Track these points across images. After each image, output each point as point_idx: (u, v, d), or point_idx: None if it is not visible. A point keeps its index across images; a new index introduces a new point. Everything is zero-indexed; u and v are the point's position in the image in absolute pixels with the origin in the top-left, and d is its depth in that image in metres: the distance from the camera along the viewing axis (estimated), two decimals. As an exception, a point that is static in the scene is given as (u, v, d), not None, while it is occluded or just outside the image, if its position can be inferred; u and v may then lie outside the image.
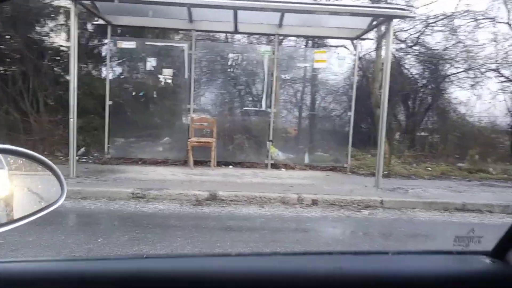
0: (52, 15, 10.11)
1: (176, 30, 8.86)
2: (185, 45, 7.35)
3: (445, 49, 11.64)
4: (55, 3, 9.95)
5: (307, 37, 9.44)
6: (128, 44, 7.19)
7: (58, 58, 10.15)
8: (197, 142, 7.06)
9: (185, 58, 7.28)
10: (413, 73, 12.42)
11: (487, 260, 1.02)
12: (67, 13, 9.99)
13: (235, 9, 5.91)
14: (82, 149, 8.58)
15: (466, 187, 6.60)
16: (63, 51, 10.06)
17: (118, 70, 7.31)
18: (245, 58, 7.49)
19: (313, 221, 4.53)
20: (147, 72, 7.30)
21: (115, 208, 4.68)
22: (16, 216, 0.94)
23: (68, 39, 10.42)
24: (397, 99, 12.42)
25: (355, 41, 7.69)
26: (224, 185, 5.78)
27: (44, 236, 3.50)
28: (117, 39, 7.26)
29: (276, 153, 7.70)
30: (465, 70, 11.77)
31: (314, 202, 5.19)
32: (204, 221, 4.33)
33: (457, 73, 11.84)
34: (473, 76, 11.75)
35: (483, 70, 11.75)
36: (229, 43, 9.17)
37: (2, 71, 9.61)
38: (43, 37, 10.12)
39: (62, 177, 1.05)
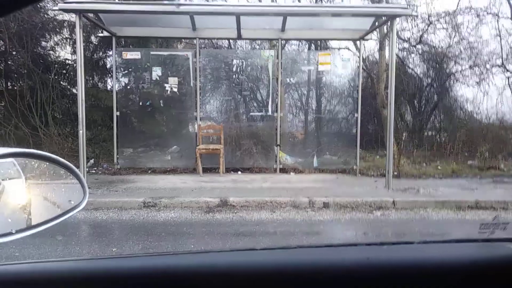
0: (56, 29, 10.22)
1: (180, 39, 8.92)
2: (189, 53, 7.39)
3: (449, 46, 11.62)
4: (59, 17, 10.09)
5: (309, 40, 9.45)
6: (133, 55, 7.24)
7: (64, 71, 10.24)
8: (205, 149, 7.07)
9: (190, 66, 7.32)
10: (418, 72, 12.40)
11: None
12: (71, 27, 10.14)
13: (238, 15, 5.94)
14: (91, 161, 8.64)
15: (478, 184, 6.53)
16: (68, 64, 10.18)
17: (124, 80, 7.35)
18: (249, 63, 7.51)
19: (325, 224, 4.51)
20: (153, 82, 7.34)
21: (127, 218, 4.69)
22: (38, 221, 0.94)
23: (73, 52, 10.57)
24: (403, 99, 12.39)
25: (358, 42, 7.68)
26: (234, 191, 5.77)
27: (59, 248, 3.51)
28: (122, 50, 7.31)
29: (285, 157, 7.68)
30: (470, 67, 11.71)
31: (325, 205, 5.17)
32: (216, 227, 4.33)
33: (462, 70, 11.79)
34: (478, 72, 11.70)
35: (488, 66, 11.70)
36: (233, 50, 9.22)
37: (9, 87, 9.72)
38: (49, 51, 10.24)
39: (83, 180, 1.05)
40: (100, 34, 7.19)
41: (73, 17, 10.36)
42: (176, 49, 9.03)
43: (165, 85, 7.34)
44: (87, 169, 8.10)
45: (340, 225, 4.50)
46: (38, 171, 0.99)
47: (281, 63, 7.32)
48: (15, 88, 9.45)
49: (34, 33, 9.43)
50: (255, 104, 7.83)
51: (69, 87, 10.38)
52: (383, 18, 6.29)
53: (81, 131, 5.74)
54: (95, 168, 8.26)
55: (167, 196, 5.36)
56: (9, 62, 9.94)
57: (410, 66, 12.35)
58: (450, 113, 11.93)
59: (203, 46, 9.50)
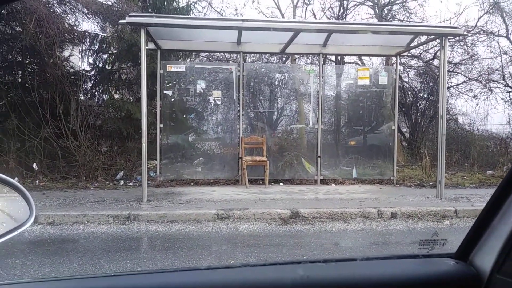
0: (76, 41, 10.10)
1: (224, 53, 9.00)
2: (233, 67, 7.49)
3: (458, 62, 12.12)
4: (83, 27, 10.04)
5: (346, 55, 9.74)
6: (177, 68, 7.28)
7: (81, 83, 10.08)
8: (252, 161, 7.15)
9: (234, 80, 7.42)
10: (413, 86, 12.79)
11: (452, 262, 1.07)
12: (91, 38, 10.10)
13: (298, 31, 6.12)
14: (121, 173, 8.54)
15: (516, 193, 6.90)
16: (86, 75, 10.08)
17: (168, 93, 7.34)
18: (291, 77, 7.69)
19: (407, 233, 4.69)
20: (196, 94, 7.39)
21: (210, 230, 4.72)
22: None
23: (91, 64, 10.49)
24: (399, 112, 12.78)
25: (394, 58, 8.02)
26: (296, 202, 5.88)
27: (175, 262, 3.53)
28: (166, 63, 7.33)
29: (310, 168, 7.80)
30: (464, 82, 12.29)
31: (393, 215, 5.36)
32: (308, 238, 4.43)
33: (456, 85, 12.32)
34: (480, 88, 12.34)
35: (486, 81, 12.35)
36: (275, 64, 9.38)
37: (29, 98, 9.44)
38: (64, 62, 10.07)
39: (30, 198, 1.02)
40: (146, 47, 7.16)
41: (95, 28, 10.37)
42: (220, 63, 9.10)
43: (209, 97, 7.40)
44: (122, 183, 8.02)
45: (421, 235, 4.67)
46: None
47: (322, 77, 7.54)
48: (40, 99, 9.18)
49: (57, 43, 9.27)
50: (296, 117, 7.99)
51: (83, 98, 10.24)
52: (432, 36, 6.61)
53: (144, 144, 5.72)
54: (129, 181, 8.16)
55: (236, 208, 5.41)
56: (25, 73, 9.72)
57: (406, 80, 12.77)
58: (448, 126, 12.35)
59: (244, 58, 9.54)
